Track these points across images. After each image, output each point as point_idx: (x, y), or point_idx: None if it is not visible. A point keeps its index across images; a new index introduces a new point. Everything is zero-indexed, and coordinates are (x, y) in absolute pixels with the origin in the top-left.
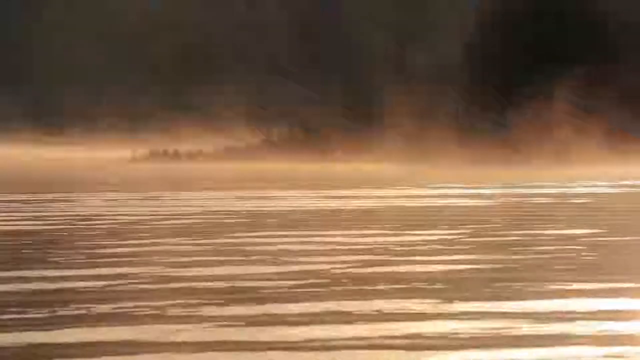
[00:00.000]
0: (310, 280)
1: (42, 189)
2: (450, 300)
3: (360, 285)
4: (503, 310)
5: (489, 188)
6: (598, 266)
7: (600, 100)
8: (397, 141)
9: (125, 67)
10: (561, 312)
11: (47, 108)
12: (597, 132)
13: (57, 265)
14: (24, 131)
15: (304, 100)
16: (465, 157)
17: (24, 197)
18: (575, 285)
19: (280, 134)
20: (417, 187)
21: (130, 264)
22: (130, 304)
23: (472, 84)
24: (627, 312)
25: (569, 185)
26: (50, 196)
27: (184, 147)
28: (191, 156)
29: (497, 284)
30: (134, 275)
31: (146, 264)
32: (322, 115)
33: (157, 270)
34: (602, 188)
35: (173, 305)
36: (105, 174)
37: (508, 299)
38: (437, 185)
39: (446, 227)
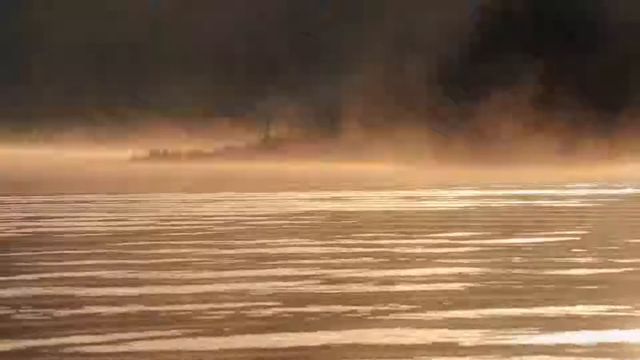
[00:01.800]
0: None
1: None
2: (443, 328)
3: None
4: (501, 344)
5: (469, 190)
6: (602, 285)
7: (564, 95)
8: (368, 141)
9: (104, 67)
10: (568, 345)
11: (19, 107)
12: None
13: None
14: None
15: (287, 101)
16: (443, 157)
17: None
18: (579, 309)
19: (278, 134)
20: (407, 189)
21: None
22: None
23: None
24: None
25: (548, 187)
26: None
27: (162, 147)
28: (191, 156)
29: (492, 308)
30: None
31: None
32: (302, 116)
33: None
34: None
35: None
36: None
37: (508, 327)
38: (424, 187)
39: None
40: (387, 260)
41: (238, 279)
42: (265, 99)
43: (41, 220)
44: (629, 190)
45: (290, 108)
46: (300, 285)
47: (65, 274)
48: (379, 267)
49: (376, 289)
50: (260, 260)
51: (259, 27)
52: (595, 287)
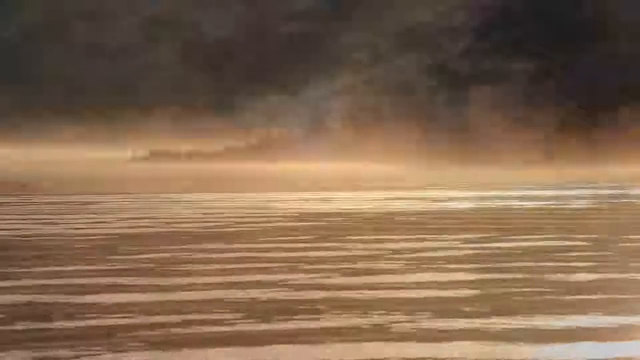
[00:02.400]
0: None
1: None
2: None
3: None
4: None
5: (463, 190)
6: (604, 290)
7: (561, 95)
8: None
9: (104, 67)
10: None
11: (18, 107)
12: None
13: None
14: None
15: (286, 100)
16: (438, 156)
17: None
18: (581, 320)
19: (277, 134)
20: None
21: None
22: None
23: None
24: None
25: (546, 188)
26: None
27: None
28: (191, 156)
29: (490, 317)
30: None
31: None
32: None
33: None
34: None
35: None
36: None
37: (507, 338)
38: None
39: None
40: (382, 264)
41: (234, 284)
42: (265, 99)
43: (40, 221)
44: (629, 191)
45: (289, 108)
46: (292, 292)
47: (64, 280)
48: (373, 271)
49: (370, 294)
50: (257, 264)
51: (259, 27)
52: (597, 293)
